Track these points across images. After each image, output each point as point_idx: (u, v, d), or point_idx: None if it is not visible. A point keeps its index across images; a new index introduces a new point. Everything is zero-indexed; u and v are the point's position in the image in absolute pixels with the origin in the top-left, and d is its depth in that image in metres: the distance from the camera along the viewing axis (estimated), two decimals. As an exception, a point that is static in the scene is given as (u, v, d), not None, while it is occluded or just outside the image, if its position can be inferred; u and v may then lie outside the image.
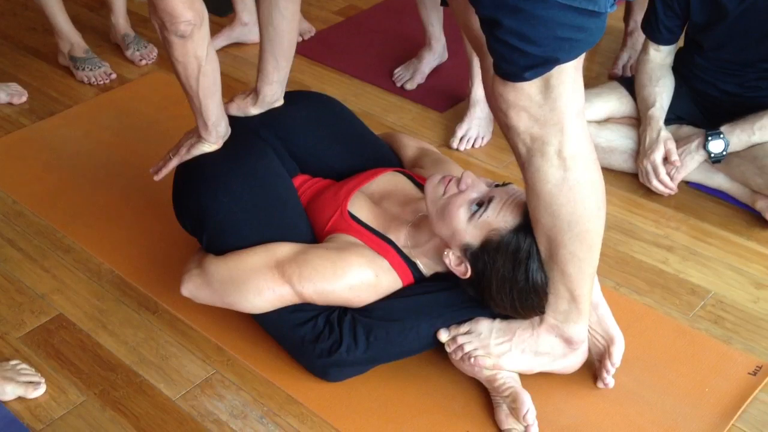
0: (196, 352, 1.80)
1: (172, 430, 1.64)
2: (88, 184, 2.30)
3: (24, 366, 1.74)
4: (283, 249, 1.68)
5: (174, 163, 1.84)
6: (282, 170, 1.83)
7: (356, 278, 1.63)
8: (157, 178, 1.88)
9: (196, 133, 1.82)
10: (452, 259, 1.59)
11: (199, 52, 1.64)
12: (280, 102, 1.95)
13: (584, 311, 1.57)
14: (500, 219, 1.54)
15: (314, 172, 1.92)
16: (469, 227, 1.56)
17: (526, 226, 1.52)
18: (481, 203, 1.57)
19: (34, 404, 1.69)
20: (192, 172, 1.80)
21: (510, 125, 1.40)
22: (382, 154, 1.98)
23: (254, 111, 1.92)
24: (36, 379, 1.72)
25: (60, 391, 1.72)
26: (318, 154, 1.92)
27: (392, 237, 1.69)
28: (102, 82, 2.77)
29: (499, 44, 1.30)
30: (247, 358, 1.77)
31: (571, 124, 1.37)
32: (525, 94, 1.34)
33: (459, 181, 1.60)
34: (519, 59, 1.29)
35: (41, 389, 1.71)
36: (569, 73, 1.33)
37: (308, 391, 1.70)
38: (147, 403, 1.69)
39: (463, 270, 1.59)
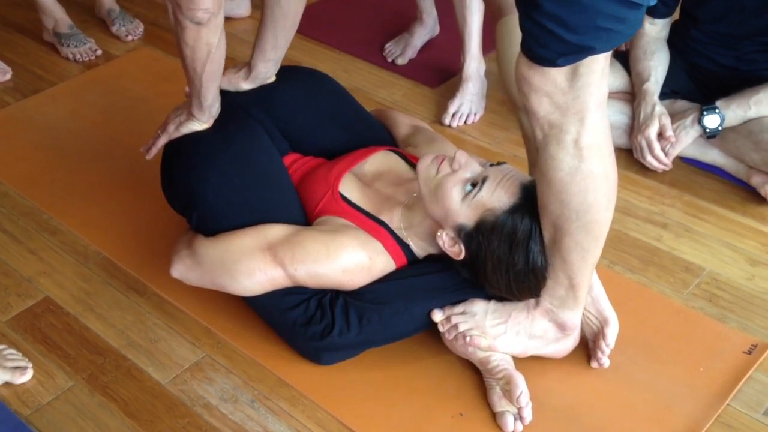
0: (185, 335, 1.77)
1: (161, 415, 1.62)
2: (74, 164, 2.26)
3: (11, 351, 1.71)
4: (275, 231, 1.65)
5: (162, 140, 1.80)
6: (273, 150, 1.79)
7: (350, 261, 1.61)
8: (148, 156, 1.84)
9: (186, 110, 1.78)
10: (446, 240, 1.57)
11: (211, 39, 1.58)
12: (272, 78, 1.91)
13: (581, 299, 1.56)
14: (495, 199, 1.51)
15: (306, 151, 1.89)
16: (462, 207, 1.54)
17: (522, 206, 1.50)
18: (475, 183, 1.54)
19: (22, 389, 1.67)
20: (181, 152, 1.77)
21: (529, 109, 1.36)
22: (375, 133, 1.94)
23: (246, 86, 1.88)
24: (23, 363, 1.69)
25: (48, 376, 1.70)
26: (310, 133, 1.88)
27: (385, 219, 1.66)
28: (87, 59, 2.72)
29: (535, 26, 1.26)
30: (237, 340, 1.75)
31: (592, 114, 1.34)
32: (551, 79, 1.31)
33: (452, 160, 1.57)
34: (554, 44, 1.25)
35: (28, 374, 1.68)
36: (600, 63, 1.30)
37: (299, 373, 1.68)
38: (136, 388, 1.67)
39: (456, 251, 1.56)
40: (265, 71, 1.87)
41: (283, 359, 1.70)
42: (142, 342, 1.76)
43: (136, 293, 1.87)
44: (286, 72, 1.94)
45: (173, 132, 1.78)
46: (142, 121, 2.41)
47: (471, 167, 1.57)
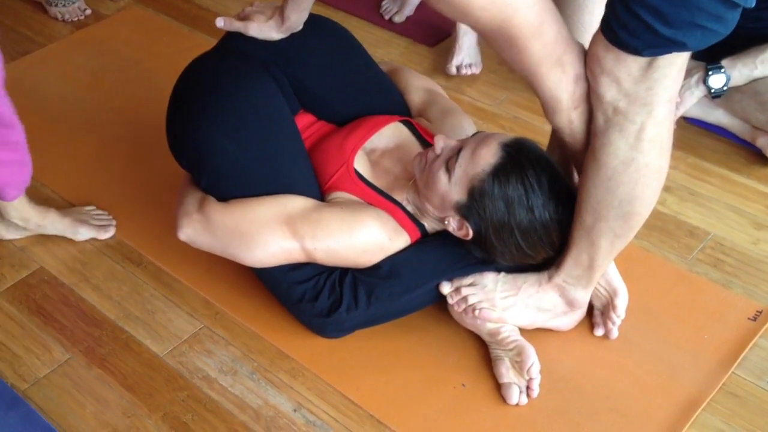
0: (183, 306, 1.75)
1: (160, 388, 1.60)
2: (65, 129, 2.21)
3: (98, 211, 1.92)
4: (295, 204, 1.59)
5: (238, 26, 1.70)
6: (289, 114, 1.71)
7: (370, 242, 1.58)
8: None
9: (277, 12, 1.69)
10: (453, 225, 1.55)
11: None
12: (300, 27, 1.76)
13: (595, 280, 1.55)
14: (475, 164, 1.49)
15: (317, 112, 1.81)
16: (452, 186, 1.51)
17: (506, 163, 1.47)
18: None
19: (18, 363, 1.64)
20: (193, 109, 1.64)
21: (595, 91, 1.33)
22: (390, 99, 1.87)
23: (276, 36, 1.74)
24: (107, 222, 1.90)
25: (44, 349, 1.67)
26: (325, 97, 1.79)
27: (398, 198, 1.63)
28: (77, 19, 2.65)
29: (629, 14, 1.22)
30: (236, 311, 1.73)
31: (662, 108, 1.31)
32: (625, 66, 1.27)
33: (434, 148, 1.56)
34: (645, 35, 1.21)
35: (111, 231, 1.89)
36: (682, 57, 1.26)
37: (299, 345, 1.66)
38: (134, 360, 1.65)
39: (465, 232, 1.54)
40: (298, 22, 1.74)
41: (283, 330, 1.68)
42: (139, 313, 1.74)
43: (132, 263, 1.84)
44: (311, 24, 1.78)
45: (251, 29, 1.69)
46: (134, 84, 2.36)
47: (451, 147, 1.54)
